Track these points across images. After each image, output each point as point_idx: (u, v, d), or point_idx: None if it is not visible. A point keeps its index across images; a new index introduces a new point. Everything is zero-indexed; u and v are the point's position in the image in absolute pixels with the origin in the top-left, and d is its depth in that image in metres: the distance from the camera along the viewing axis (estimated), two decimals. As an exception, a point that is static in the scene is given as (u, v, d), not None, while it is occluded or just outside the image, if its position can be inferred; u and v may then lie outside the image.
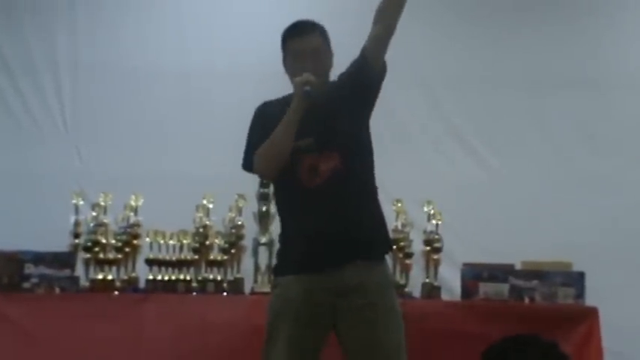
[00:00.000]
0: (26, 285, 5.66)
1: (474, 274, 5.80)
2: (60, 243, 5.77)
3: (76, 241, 5.78)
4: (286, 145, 3.29)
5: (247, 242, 5.88)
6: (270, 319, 3.39)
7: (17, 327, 5.48)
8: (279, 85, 6.50)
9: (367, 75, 3.41)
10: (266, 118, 3.44)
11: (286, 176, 3.35)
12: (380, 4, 3.40)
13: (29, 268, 5.69)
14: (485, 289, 5.76)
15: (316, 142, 3.33)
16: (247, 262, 5.88)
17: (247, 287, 5.82)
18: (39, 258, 5.69)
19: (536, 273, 5.67)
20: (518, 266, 5.78)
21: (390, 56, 6.80)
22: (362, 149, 3.44)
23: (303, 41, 3.38)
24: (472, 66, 6.83)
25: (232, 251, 5.81)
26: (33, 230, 5.99)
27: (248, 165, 3.47)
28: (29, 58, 6.70)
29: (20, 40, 6.70)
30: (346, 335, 3.34)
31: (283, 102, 3.45)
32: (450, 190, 6.46)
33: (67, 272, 5.65)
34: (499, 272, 5.74)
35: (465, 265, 5.87)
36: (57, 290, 5.64)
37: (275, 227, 5.83)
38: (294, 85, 3.32)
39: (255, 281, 5.79)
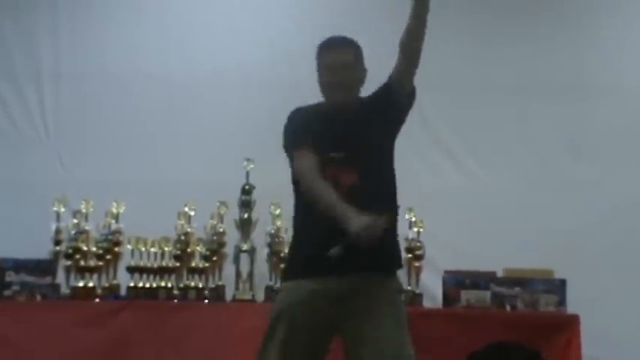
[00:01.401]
0: (7, 292, 5.65)
1: (455, 282, 5.81)
2: (41, 250, 5.75)
3: (57, 248, 5.76)
4: (319, 205, 3.36)
5: (229, 249, 5.87)
6: (270, 322, 3.45)
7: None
8: (261, 91, 6.59)
9: (390, 100, 3.54)
10: (302, 118, 3.54)
11: None
12: (403, 36, 3.50)
13: (10, 276, 5.67)
14: (467, 296, 5.77)
15: (345, 156, 3.43)
16: (229, 270, 5.87)
17: (229, 294, 5.82)
18: (20, 265, 5.68)
19: (518, 280, 5.69)
20: (500, 273, 5.80)
21: (373, 64, 6.85)
22: (382, 168, 3.55)
23: (336, 54, 3.48)
24: (455, 72, 6.82)
25: (214, 258, 5.80)
26: (14, 237, 5.95)
27: (301, 147, 3.46)
28: (10, 65, 6.67)
29: (1, 47, 6.68)
30: (349, 333, 3.38)
31: (312, 110, 3.58)
32: (432, 197, 6.45)
33: (48, 280, 5.64)
34: (481, 279, 5.76)
35: (447, 272, 5.88)
36: (38, 298, 5.63)
37: (256, 235, 5.85)
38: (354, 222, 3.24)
39: (237, 288, 5.79)
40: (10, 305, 5.58)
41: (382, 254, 3.39)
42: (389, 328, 3.40)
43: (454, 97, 6.81)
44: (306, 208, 3.46)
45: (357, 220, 3.21)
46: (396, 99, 3.55)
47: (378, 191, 3.49)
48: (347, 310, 3.38)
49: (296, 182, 3.56)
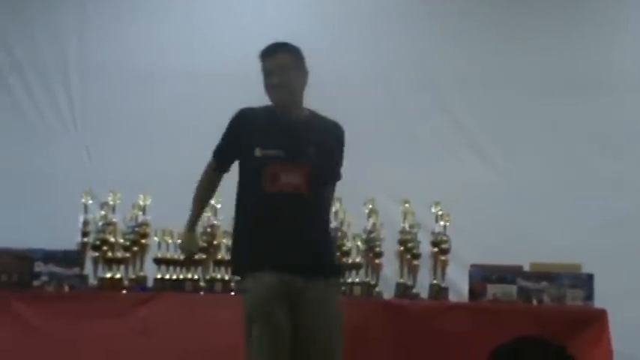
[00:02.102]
0: (36, 283, 5.70)
1: (482, 276, 5.79)
2: (69, 241, 5.79)
3: (85, 239, 5.80)
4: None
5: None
6: (250, 311, 3.68)
7: (28, 324, 5.52)
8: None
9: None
10: (242, 125, 3.85)
11: (251, 179, 3.77)
12: None
13: (39, 266, 5.73)
14: (493, 290, 5.75)
15: (285, 155, 3.73)
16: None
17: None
18: (49, 256, 5.73)
19: (545, 275, 5.66)
20: (526, 268, 5.76)
21: (399, 57, 6.84)
22: (325, 181, 3.88)
23: (273, 59, 3.82)
24: (482, 66, 6.81)
25: (240, 251, 5.81)
26: (43, 229, 6.00)
27: (213, 159, 4.00)
28: (40, 59, 6.73)
29: (31, 41, 6.73)
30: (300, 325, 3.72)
31: (259, 111, 3.88)
32: (459, 191, 6.44)
33: (76, 270, 5.69)
34: (507, 274, 5.73)
35: (473, 266, 5.86)
36: (66, 288, 5.67)
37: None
38: None
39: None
40: (38, 295, 5.63)
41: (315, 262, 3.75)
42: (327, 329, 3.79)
43: (482, 91, 6.80)
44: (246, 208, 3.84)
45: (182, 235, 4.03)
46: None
47: (317, 194, 3.81)
48: (298, 301, 3.71)
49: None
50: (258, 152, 3.74)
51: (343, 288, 5.56)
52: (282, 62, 3.82)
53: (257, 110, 3.90)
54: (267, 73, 3.83)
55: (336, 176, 4.00)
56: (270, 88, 3.85)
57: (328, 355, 3.77)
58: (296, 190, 3.74)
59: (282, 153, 3.73)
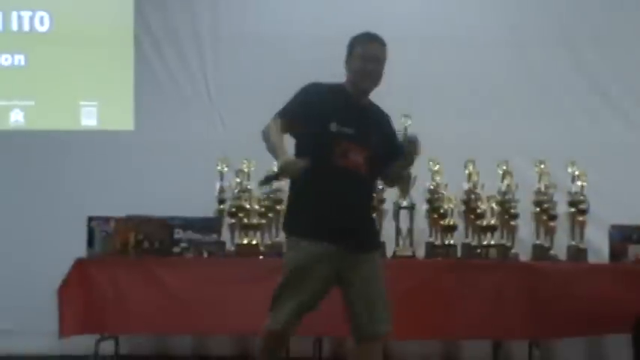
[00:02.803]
0: (176, 249, 5.87)
1: (622, 236, 5.67)
2: (207, 209, 5.93)
3: (221, 206, 5.93)
4: (270, 152, 3.97)
5: (388, 206, 5.89)
6: (288, 270, 4.01)
7: (168, 289, 5.69)
8: (416, 46, 6.54)
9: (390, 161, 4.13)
10: (317, 97, 4.03)
11: (320, 151, 3.94)
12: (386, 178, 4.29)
13: (178, 234, 5.89)
14: (635, 251, 5.62)
15: (355, 135, 3.96)
16: (388, 226, 5.90)
17: (389, 251, 5.85)
18: (187, 223, 5.90)
19: (689, 234, 5.48)
20: (669, 227, 5.60)
21: (531, 15, 6.68)
22: (376, 165, 4.06)
23: (374, 48, 4.05)
24: (618, 21, 6.58)
25: (374, 216, 5.83)
26: (181, 196, 6.15)
27: (279, 119, 4.01)
28: (172, 28, 6.85)
29: (164, 11, 6.86)
30: (346, 288, 4.02)
31: (332, 89, 4.08)
32: (596, 151, 6.26)
33: (214, 237, 5.83)
34: (649, 234, 5.59)
35: (613, 226, 5.73)
36: (205, 255, 5.82)
37: (415, 191, 5.84)
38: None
39: (397, 245, 5.81)
40: (178, 262, 5.80)
41: (360, 237, 4.01)
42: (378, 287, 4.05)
43: (618, 47, 6.57)
44: (313, 178, 3.93)
45: (282, 159, 3.84)
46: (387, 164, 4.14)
47: (373, 178, 4.15)
48: (345, 265, 3.99)
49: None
50: (334, 127, 3.95)
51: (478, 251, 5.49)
52: (379, 53, 4.04)
53: (329, 87, 4.09)
54: (364, 58, 4.01)
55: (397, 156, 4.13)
56: (362, 73, 4.03)
57: (384, 311, 4.03)
58: (358, 169, 3.97)
59: (353, 132, 3.95)
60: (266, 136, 3.97)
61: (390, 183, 4.38)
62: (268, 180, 4.07)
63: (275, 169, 4.05)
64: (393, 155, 4.10)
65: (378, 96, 6.38)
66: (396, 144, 4.18)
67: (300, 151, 4.03)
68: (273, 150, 3.92)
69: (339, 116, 3.97)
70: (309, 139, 4.00)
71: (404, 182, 4.23)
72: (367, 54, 4.02)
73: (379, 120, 4.15)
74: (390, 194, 5.88)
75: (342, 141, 3.94)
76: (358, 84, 4.05)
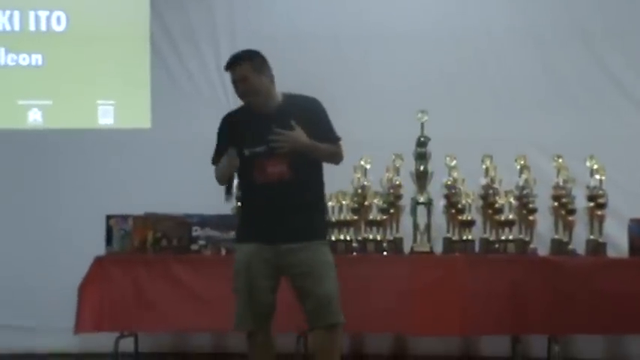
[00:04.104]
0: (194, 247, 5.89)
1: (642, 230, 5.63)
2: (224, 206, 5.93)
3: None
4: (225, 176, 4.42)
5: (405, 202, 5.89)
6: (233, 274, 4.33)
7: (186, 286, 5.72)
8: (430, 44, 6.53)
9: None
10: (228, 132, 4.38)
11: (245, 173, 4.32)
12: None
13: (196, 231, 5.92)
14: (654, 244, 5.59)
15: (267, 150, 4.23)
16: (406, 222, 5.89)
17: (407, 247, 5.85)
18: (205, 221, 5.92)
19: None
20: (688, 221, 5.56)
21: (548, 9, 6.65)
22: (308, 160, 4.27)
23: (232, 72, 4.31)
24: (634, 14, 6.53)
25: (391, 211, 5.84)
26: (198, 194, 6.16)
27: (213, 163, 4.46)
28: (189, 26, 6.86)
29: (179, 8, 6.87)
30: (289, 281, 4.31)
31: (240, 112, 4.42)
32: (614, 145, 6.22)
33: (231, 234, 5.82)
34: (669, 227, 5.56)
35: (633, 220, 5.70)
36: (223, 252, 5.84)
37: (432, 186, 5.83)
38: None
39: (415, 240, 5.81)
40: (196, 259, 5.82)
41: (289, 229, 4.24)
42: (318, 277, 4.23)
43: (635, 41, 6.52)
44: (246, 188, 4.39)
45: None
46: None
47: (305, 179, 4.27)
48: (283, 262, 4.26)
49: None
50: (247, 152, 4.27)
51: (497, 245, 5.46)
52: (240, 73, 4.27)
53: (238, 112, 4.44)
54: (233, 83, 4.32)
55: (332, 139, 4.36)
56: (239, 96, 4.34)
57: (325, 301, 4.19)
58: (280, 178, 4.23)
59: (264, 148, 4.23)
60: (217, 178, 4.44)
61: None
62: (227, 191, 4.66)
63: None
64: (322, 136, 4.30)
65: (394, 92, 6.42)
66: (323, 132, 4.32)
67: (238, 175, 4.40)
68: (220, 173, 4.40)
69: (249, 139, 4.27)
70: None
71: (326, 159, 4.38)
72: (232, 79, 4.32)
73: (296, 111, 4.28)
74: (408, 191, 5.88)
75: (256, 161, 4.25)
76: (245, 104, 4.35)
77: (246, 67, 4.28)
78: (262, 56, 4.38)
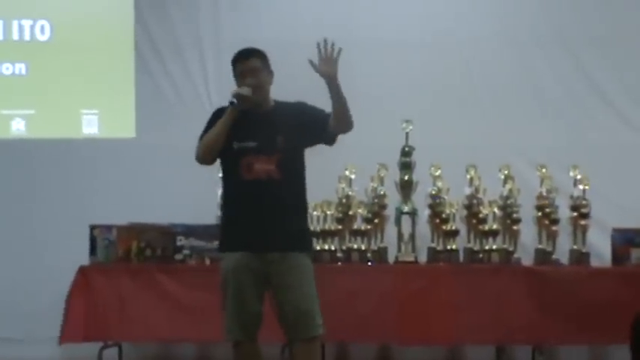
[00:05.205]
0: (178, 257, 5.88)
1: (625, 240, 5.66)
2: (208, 216, 5.93)
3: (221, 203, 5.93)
4: (219, 139, 4.23)
5: (390, 212, 5.89)
6: (220, 283, 4.27)
7: (170, 296, 5.71)
8: (416, 50, 6.54)
9: (321, 134, 4.28)
10: (214, 124, 4.29)
11: (231, 168, 4.25)
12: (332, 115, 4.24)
13: (181, 241, 5.90)
14: (637, 254, 5.62)
15: (257, 147, 4.20)
16: (391, 232, 5.90)
17: (391, 256, 5.85)
18: (190, 231, 5.90)
19: (692, 237, 5.48)
20: (672, 231, 5.59)
21: (530, 18, 6.68)
22: (295, 164, 4.28)
23: (244, 63, 4.30)
24: (617, 22, 6.57)
25: (375, 221, 5.84)
26: (183, 204, 6.16)
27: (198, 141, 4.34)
28: (173, 35, 6.84)
29: (164, 17, 6.86)
30: (272, 292, 4.25)
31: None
32: (598, 154, 6.25)
33: (216, 244, 5.79)
34: (652, 237, 5.59)
35: (616, 230, 5.73)
36: (207, 261, 5.82)
37: (417, 196, 5.84)
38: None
39: (399, 250, 5.81)
40: (181, 269, 5.81)
41: (276, 237, 4.20)
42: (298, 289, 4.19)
43: (617, 50, 6.56)
44: (232, 185, 4.29)
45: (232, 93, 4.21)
46: (319, 132, 4.27)
47: (293, 180, 4.26)
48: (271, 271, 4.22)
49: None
50: (236, 145, 4.20)
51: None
52: (253, 66, 4.29)
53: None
54: (241, 75, 4.30)
55: (328, 141, 4.33)
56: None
57: (302, 315, 4.16)
58: (269, 175, 4.18)
59: (255, 145, 4.19)
60: (200, 147, 4.28)
61: (338, 123, 4.27)
62: (238, 98, 4.21)
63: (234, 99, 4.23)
64: (320, 121, 4.25)
65: (378, 100, 6.42)
66: (316, 114, 4.29)
67: (222, 171, 4.35)
68: (214, 131, 4.22)
69: (240, 133, 4.21)
70: (222, 159, 4.32)
71: (342, 108, 4.21)
72: (241, 70, 4.31)
73: (286, 115, 4.29)
74: (392, 201, 5.89)
75: (244, 156, 4.20)
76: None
77: (259, 61, 4.33)
78: (268, 58, 4.41)
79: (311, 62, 4.17)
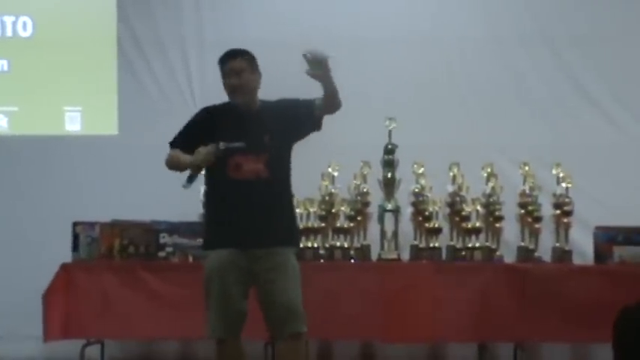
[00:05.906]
0: (161, 254, 5.87)
1: (607, 238, 5.68)
2: (191, 213, 5.92)
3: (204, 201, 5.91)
4: (180, 168, 4.32)
5: (373, 209, 5.90)
6: (205, 281, 4.26)
7: (154, 293, 5.70)
8: (401, 49, 6.55)
9: (307, 122, 4.32)
10: (205, 122, 4.35)
11: (218, 168, 4.22)
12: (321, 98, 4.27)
13: (164, 238, 5.89)
14: (619, 252, 5.63)
15: (245, 146, 4.19)
16: (374, 229, 5.90)
17: (374, 254, 5.86)
18: (173, 228, 5.90)
19: (674, 235, 5.50)
20: (653, 229, 5.61)
21: (513, 17, 6.70)
22: (282, 163, 4.31)
23: (230, 64, 4.30)
24: (600, 21, 6.59)
25: (358, 218, 5.85)
26: (166, 201, 6.14)
27: (172, 145, 4.41)
28: (156, 32, 6.83)
29: (147, 14, 6.84)
30: (258, 289, 4.26)
31: (222, 108, 4.38)
32: (580, 153, 6.27)
33: (199, 241, 5.79)
34: (635, 235, 5.61)
35: (598, 228, 5.74)
36: (190, 259, 5.82)
37: (400, 194, 5.85)
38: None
39: (382, 248, 5.82)
40: (164, 266, 5.80)
41: (273, 232, 4.23)
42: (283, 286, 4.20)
43: (601, 49, 6.58)
44: (217, 185, 4.29)
45: (189, 158, 4.22)
46: (306, 122, 4.31)
47: (279, 178, 4.28)
48: (256, 269, 4.23)
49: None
50: (222, 145, 4.18)
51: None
52: (238, 66, 4.29)
53: (218, 107, 4.39)
54: (227, 75, 4.30)
55: (315, 127, 4.36)
56: (229, 88, 4.30)
57: (288, 312, 4.16)
58: (258, 175, 4.20)
59: (243, 145, 4.19)
60: (167, 162, 4.37)
61: (327, 106, 4.31)
62: (190, 179, 4.26)
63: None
64: (304, 111, 4.28)
65: (361, 98, 6.42)
66: (299, 105, 4.32)
67: (208, 170, 4.31)
68: (177, 161, 4.31)
69: (227, 134, 4.21)
70: None
71: (333, 92, 4.25)
72: (227, 70, 4.30)
73: (272, 114, 4.31)
74: (375, 198, 5.89)
75: (231, 157, 4.20)
76: (231, 99, 4.33)
77: (245, 61, 4.33)
78: (256, 58, 4.42)
79: (304, 55, 4.16)
